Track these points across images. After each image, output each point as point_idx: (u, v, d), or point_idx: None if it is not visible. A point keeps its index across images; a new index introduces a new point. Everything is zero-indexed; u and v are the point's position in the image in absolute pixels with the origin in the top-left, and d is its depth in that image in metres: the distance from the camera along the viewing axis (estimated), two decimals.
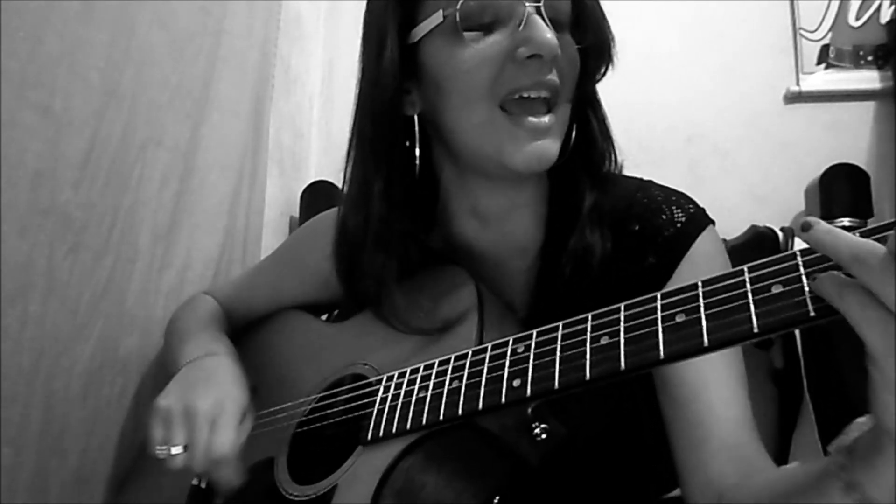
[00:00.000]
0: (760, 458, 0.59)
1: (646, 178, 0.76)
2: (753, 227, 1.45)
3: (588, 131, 0.72)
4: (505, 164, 0.65)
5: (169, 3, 1.05)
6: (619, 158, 0.74)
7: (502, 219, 0.74)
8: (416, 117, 0.70)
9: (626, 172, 0.77)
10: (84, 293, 0.90)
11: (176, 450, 0.66)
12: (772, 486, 0.54)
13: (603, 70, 0.70)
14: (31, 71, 0.80)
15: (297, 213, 1.71)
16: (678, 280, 0.66)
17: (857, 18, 1.75)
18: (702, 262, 0.67)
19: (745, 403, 0.63)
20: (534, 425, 0.56)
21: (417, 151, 0.70)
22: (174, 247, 1.09)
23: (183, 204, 1.12)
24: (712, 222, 0.70)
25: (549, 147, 0.65)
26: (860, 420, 0.44)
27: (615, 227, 0.70)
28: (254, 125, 1.39)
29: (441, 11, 0.64)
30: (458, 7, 0.62)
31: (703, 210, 0.71)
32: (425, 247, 0.74)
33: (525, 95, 0.63)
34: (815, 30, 1.76)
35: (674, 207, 0.70)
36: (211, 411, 0.67)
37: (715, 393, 0.62)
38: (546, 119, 0.64)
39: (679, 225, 0.68)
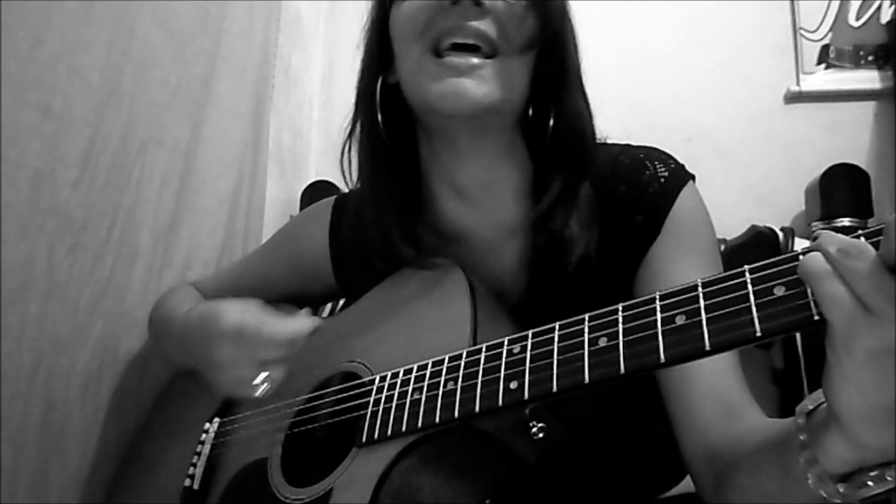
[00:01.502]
0: (747, 407, 0.61)
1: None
2: (753, 226, 1.45)
3: (562, 112, 0.71)
4: (428, 103, 0.66)
5: (169, 3, 1.05)
6: (600, 137, 0.74)
7: (482, 194, 0.74)
8: (378, 84, 0.73)
9: None
10: (84, 293, 0.90)
11: (260, 379, 0.68)
12: (750, 437, 0.54)
13: (557, 29, 0.69)
14: (31, 71, 0.80)
15: (297, 213, 1.71)
16: (666, 236, 0.68)
17: (858, 18, 1.75)
18: (686, 217, 0.69)
19: (730, 358, 0.63)
20: (531, 424, 0.56)
21: (380, 117, 0.72)
22: (174, 247, 1.09)
23: (183, 203, 1.11)
24: (693, 177, 0.72)
25: (471, 87, 0.64)
26: (813, 394, 0.45)
27: (603, 197, 0.71)
28: (254, 125, 1.39)
29: None
30: None
31: (682, 165, 0.73)
32: (415, 231, 0.75)
33: (452, 42, 0.65)
34: (816, 30, 1.76)
35: (656, 162, 0.71)
36: (240, 330, 0.68)
37: None
38: (474, 60, 0.64)
39: (662, 180, 0.70)
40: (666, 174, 0.70)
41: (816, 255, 0.38)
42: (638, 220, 0.69)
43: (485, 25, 0.64)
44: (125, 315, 0.98)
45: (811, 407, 0.45)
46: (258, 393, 0.69)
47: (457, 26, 0.64)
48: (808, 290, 0.39)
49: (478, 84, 0.64)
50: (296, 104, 1.76)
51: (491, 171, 0.73)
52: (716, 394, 0.61)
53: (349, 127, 0.76)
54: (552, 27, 0.68)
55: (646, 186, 0.70)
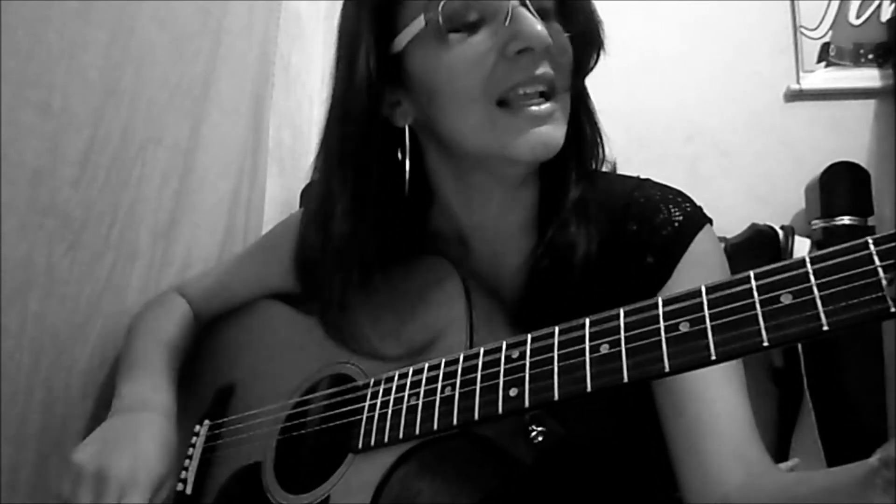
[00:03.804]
0: (764, 460, 0.59)
1: (644, 176, 0.75)
2: (754, 225, 1.45)
3: (578, 124, 0.71)
4: (510, 156, 0.63)
5: (169, 2, 1.05)
6: (608, 153, 0.74)
7: (499, 218, 0.73)
8: (406, 128, 0.68)
9: (627, 172, 0.76)
10: (84, 292, 0.90)
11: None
12: (791, 488, 0.52)
13: (594, 58, 0.69)
14: (30, 69, 0.80)
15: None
16: (677, 279, 0.66)
17: (858, 16, 1.74)
18: (700, 262, 0.66)
19: (745, 403, 0.62)
20: (530, 428, 0.55)
21: (407, 165, 0.69)
22: (174, 246, 1.09)
23: (183, 203, 1.11)
24: (710, 221, 0.70)
25: (553, 133, 0.63)
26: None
27: (613, 228, 0.69)
28: (254, 124, 1.39)
29: (422, 16, 0.62)
30: (440, 9, 0.60)
31: (699, 208, 0.70)
32: (404, 244, 0.73)
33: (521, 92, 0.62)
34: (816, 28, 1.76)
35: (671, 206, 0.69)
36: (123, 478, 0.65)
37: (715, 391, 0.61)
38: (546, 106, 0.63)
39: (676, 224, 0.67)
40: (681, 218, 0.68)
41: None
42: (648, 261, 0.67)
43: (548, 69, 0.63)
44: (125, 314, 0.97)
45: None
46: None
47: (529, 78, 0.62)
48: (817, 299, 0.39)
49: (556, 127, 0.64)
50: (296, 103, 1.75)
51: (512, 199, 0.72)
52: (733, 442, 0.59)
53: (318, 164, 0.71)
54: (598, 55, 0.69)
55: (659, 229, 0.68)
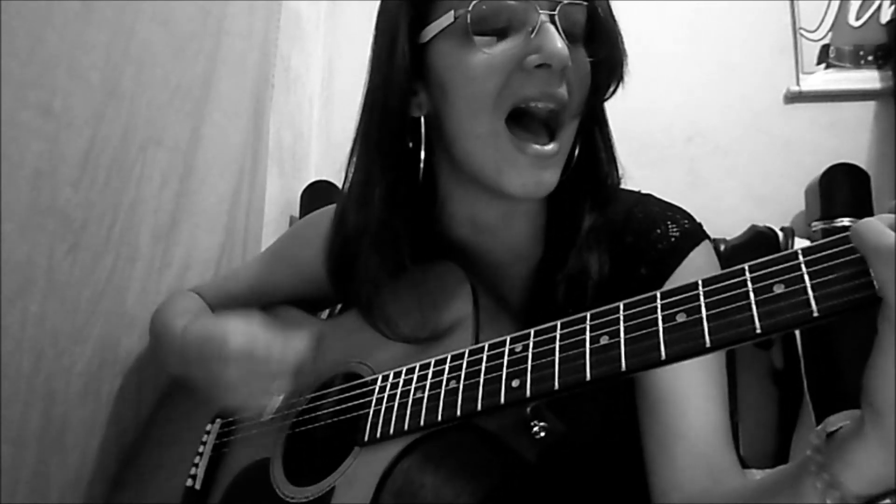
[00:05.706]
0: (732, 469, 0.59)
1: (645, 188, 0.76)
2: (753, 226, 1.45)
3: (593, 150, 0.72)
4: (502, 187, 0.64)
5: (169, 3, 1.05)
6: (620, 176, 0.74)
7: (500, 228, 0.73)
8: (422, 119, 0.69)
9: (627, 173, 0.77)
10: (84, 293, 0.90)
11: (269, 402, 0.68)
12: (743, 489, 0.54)
13: (613, 87, 0.70)
14: (31, 71, 0.80)
15: (297, 213, 1.71)
16: None
17: (858, 18, 1.75)
18: (693, 277, 0.67)
19: (720, 412, 0.62)
20: (532, 423, 0.56)
21: (423, 154, 0.69)
22: (174, 247, 1.09)
23: (183, 204, 1.11)
24: (708, 238, 0.70)
25: (549, 177, 0.64)
26: (832, 417, 0.44)
27: (611, 240, 0.70)
28: (254, 125, 1.39)
29: (452, 12, 0.63)
30: (470, 8, 0.61)
31: (698, 225, 0.71)
32: (419, 249, 0.74)
33: (532, 105, 0.63)
34: (816, 29, 1.76)
35: (669, 222, 0.70)
36: (248, 354, 0.67)
37: (690, 399, 0.62)
38: (549, 147, 0.64)
39: (673, 239, 0.68)
40: (678, 234, 0.69)
41: (884, 231, 0.37)
42: (641, 272, 0.68)
43: (563, 89, 0.63)
44: (125, 315, 0.98)
45: (830, 429, 0.43)
46: (265, 416, 0.69)
47: (542, 94, 0.62)
48: (808, 287, 0.40)
49: (553, 172, 0.65)
50: (296, 104, 1.76)
51: (512, 210, 0.73)
52: (701, 449, 0.60)
53: (356, 149, 0.73)
54: (617, 85, 0.69)
55: (655, 243, 0.69)
